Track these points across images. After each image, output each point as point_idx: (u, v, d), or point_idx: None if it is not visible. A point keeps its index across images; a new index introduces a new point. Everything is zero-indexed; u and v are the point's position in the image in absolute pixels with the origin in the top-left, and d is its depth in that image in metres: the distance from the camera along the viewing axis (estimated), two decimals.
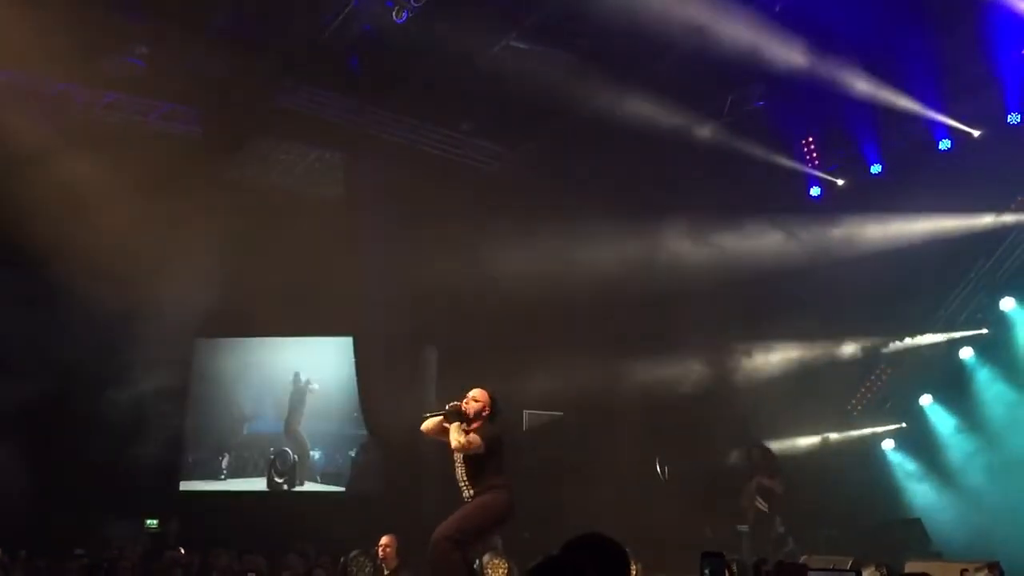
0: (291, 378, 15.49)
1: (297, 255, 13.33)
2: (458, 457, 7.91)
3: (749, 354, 14.43)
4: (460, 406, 7.99)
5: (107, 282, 11.55)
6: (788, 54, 11.68)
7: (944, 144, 12.98)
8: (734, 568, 7.58)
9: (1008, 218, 13.26)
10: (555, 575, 3.14)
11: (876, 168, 13.70)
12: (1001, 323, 13.59)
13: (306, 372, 15.51)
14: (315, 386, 15.41)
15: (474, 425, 7.90)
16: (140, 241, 12.03)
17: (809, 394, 13.77)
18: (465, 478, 7.84)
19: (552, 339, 13.62)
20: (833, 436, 14.38)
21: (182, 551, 12.32)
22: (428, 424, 8.05)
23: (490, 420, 7.93)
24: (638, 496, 12.97)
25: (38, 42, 10.46)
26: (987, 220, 13.17)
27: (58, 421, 13.48)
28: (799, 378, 14.02)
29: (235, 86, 12.29)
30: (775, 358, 14.35)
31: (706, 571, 3.52)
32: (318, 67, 12.51)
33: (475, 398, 8.06)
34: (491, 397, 8.06)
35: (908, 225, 13.21)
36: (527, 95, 12.32)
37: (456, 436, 7.76)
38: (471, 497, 7.81)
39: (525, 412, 14.77)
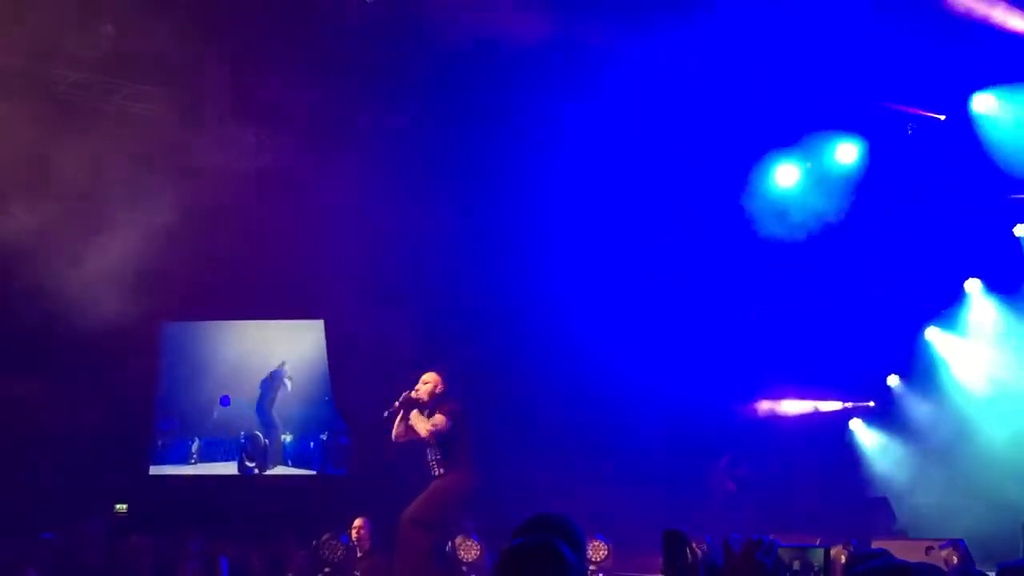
0: (261, 362, 15.39)
1: (267, 239, 13.20)
2: (429, 440, 7.91)
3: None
4: (409, 395, 7.99)
5: (66, 261, 11.40)
6: None
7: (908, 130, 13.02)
8: (704, 547, 7.64)
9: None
10: (535, 555, 3.07)
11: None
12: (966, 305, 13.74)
13: (277, 356, 15.41)
14: (287, 368, 15.32)
15: (436, 410, 7.89)
16: (104, 223, 11.89)
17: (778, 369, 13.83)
18: (437, 456, 7.85)
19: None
20: (799, 414, 14.46)
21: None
22: (395, 430, 8.06)
23: (448, 396, 7.94)
24: (606, 476, 13.02)
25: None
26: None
27: (20, 403, 13.31)
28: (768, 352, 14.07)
29: (202, 68, 12.14)
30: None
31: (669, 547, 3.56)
32: (287, 51, 12.37)
33: (424, 380, 8.08)
34: (439, 375, 8.05)
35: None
36: None
37: (421, 425, 7.77)
38: (441, 475, 7.81)
39: None
